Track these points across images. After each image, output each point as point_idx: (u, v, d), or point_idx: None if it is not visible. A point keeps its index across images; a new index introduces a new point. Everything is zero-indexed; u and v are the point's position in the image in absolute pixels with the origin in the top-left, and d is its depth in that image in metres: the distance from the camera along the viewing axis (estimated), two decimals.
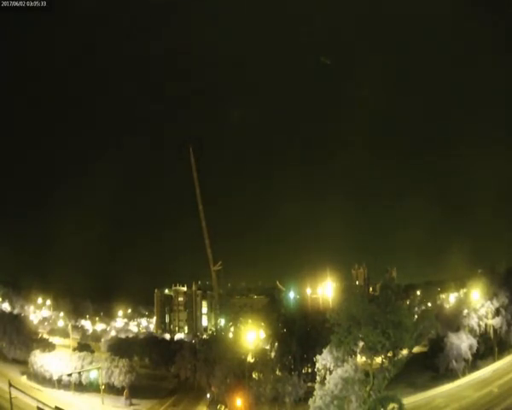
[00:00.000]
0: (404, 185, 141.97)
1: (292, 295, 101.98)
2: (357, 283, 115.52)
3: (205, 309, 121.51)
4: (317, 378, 49.01)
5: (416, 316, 50.61)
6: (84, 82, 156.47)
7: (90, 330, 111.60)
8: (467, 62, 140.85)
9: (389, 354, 47.06)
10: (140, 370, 71.87)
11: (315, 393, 43.92)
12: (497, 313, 64.94)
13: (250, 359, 59.77)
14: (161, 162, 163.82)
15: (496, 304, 64.87)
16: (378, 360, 48.07)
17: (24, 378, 61.89)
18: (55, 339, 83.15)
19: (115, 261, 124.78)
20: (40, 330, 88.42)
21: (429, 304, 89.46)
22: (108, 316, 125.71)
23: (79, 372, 60.87)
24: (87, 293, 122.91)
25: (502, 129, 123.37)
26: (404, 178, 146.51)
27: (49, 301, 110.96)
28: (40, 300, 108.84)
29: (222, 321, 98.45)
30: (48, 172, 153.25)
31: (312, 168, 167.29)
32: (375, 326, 44.33)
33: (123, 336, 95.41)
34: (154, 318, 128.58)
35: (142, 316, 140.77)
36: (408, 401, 48.46)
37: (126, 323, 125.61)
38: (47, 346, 70.25)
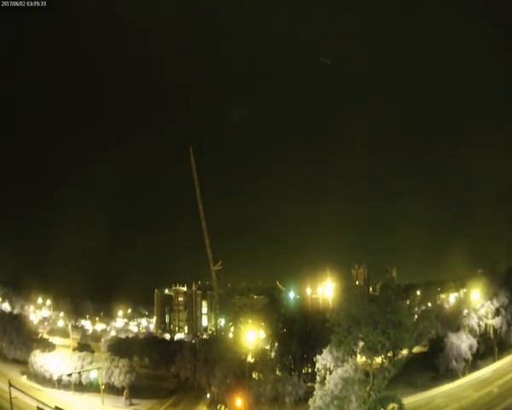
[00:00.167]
0: (404, 185, 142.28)
1: (292, 295, 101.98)
2: (357, 283, 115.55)
3: (205, 309, 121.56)
4: (317, 378, 48.93)
5: (415, 316, 50.59)
6: (84, 82, 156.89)
7: (90, 330, 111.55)
8: (467, 62, 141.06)
9: (389, 354, 47.02)
10: (140, 370, 71.81)
11: (315, 393, 43.86)
12: (497, 313, 64.89)
13: (250, 359, 59.69)
14: (161, 162, 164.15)
15: (496, 304, 64.83)
16: (378, 360, 48.03)
17: (24, 378, 61.82)
18: (55, 339, 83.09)
19: (115, 261, 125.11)
20: (40, 330, 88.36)
21: (429, 304, 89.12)
22: (108, 316, 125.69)
23: (79, 372, 60.81)
24: (87, 293, 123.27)
25: (502, 129, 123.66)
26: (404, 178, 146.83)
27: (49, 301, 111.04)
28: (40, 300, 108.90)
29: (222, 321, 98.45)
30: (48, 172, 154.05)
31: (312, 168, 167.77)
32: (375, 326, 44.31)
33: (123, 336, 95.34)
34: (154, 318, 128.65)
35: (142, 316, 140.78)
36: (408, 401, 48.39)
37: (126, 323, 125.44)
38: (47, 346, 70.20)
